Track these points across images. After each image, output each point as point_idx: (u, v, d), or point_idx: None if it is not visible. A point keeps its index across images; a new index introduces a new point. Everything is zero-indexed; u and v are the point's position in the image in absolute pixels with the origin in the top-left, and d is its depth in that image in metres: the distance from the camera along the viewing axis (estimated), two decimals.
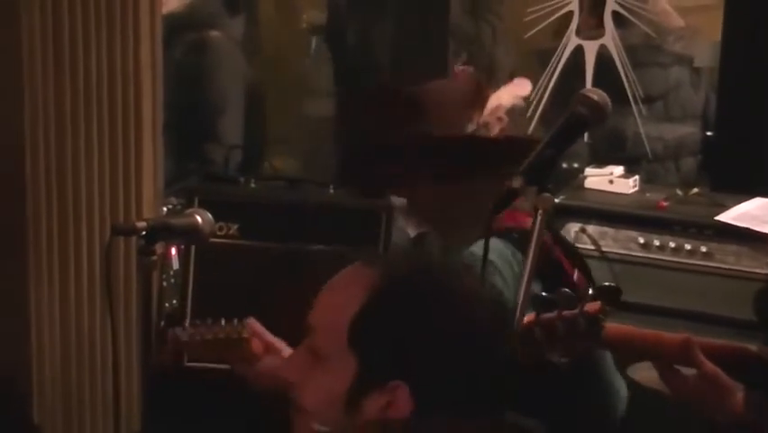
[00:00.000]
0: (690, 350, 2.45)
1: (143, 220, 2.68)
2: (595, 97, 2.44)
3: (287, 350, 2.84)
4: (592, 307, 2.35)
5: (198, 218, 2.74)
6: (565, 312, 2.34)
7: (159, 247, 2.77)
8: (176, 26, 4.79)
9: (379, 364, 2.01)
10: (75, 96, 3.29)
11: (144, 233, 2.61)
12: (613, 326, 2.49)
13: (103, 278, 3.11)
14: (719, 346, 2.55)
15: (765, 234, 3.81)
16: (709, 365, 2.44)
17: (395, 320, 2.01)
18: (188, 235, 2.78)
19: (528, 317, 2.38)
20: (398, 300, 2.02)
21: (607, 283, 2.40)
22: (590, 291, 2.38)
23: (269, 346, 2.88)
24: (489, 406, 2.03)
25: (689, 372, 2.43)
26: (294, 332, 3.77)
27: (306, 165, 5.44)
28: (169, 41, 4.72)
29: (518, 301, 2.38)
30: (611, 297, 2.38)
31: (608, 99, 2.46)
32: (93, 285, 3.36)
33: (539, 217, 2.35)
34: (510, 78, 5.01)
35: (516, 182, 2.36)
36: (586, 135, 4.60)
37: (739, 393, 2.41)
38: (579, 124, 2.45)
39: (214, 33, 4.84)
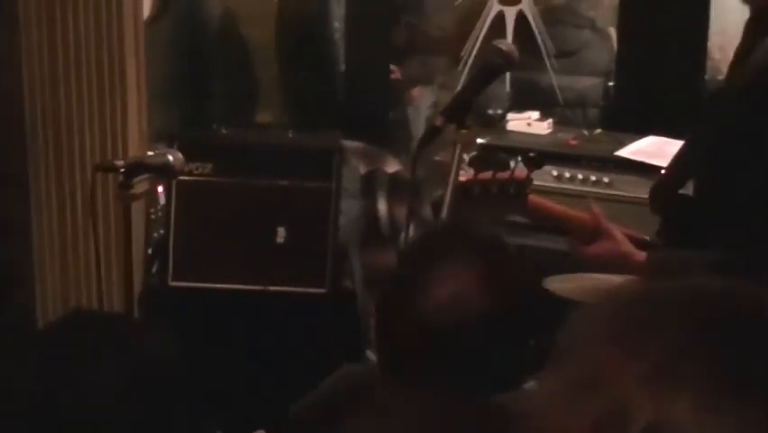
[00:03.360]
0: (598, 218, 2.45)
1: (122, 159, 2.61)
2: (504, 48, 2.39)
3: None
4: (520, 173, 2.32)
5: (170, 157, 2.68)
6: (498, 174, 2.32)
7: (140, 185, 2.70)
8: None
9: None
10: (66, 54, 3.20)
11: (123, 170, 2.56)
12: (534, 197, 2.47)
13: (87, 208, 3.03)
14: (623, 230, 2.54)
15: (656, 165, 3.79)
16: (617, 231, 2.44)
17: None
18: (162, 171, 2.71)
19: (467, 175, 2.33)
20: None
21: (531, 154, 2.37)
22: (519, 159, 2.36)
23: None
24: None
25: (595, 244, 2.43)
26: (260, 253, 3.71)
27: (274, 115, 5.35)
28: (168, 3, 4.58)
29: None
30: (535, 165, 2.36)
31: (514, 49, 2.39)
32: (86, 214, 3.29)
33: (458, 150, 2.30)
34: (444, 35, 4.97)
35: (439, 121, 2.32)
36: (508, 84, 4.54)
37: (638, 256, 2.40)
38: (491, 70, 2.40)
39: None
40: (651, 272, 2.37)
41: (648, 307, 0.73)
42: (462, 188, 2.30)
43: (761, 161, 2.20)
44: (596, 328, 0.72)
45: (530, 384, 1.79)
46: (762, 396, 0.65)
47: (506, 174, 2.32)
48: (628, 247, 2.41)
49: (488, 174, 2.30)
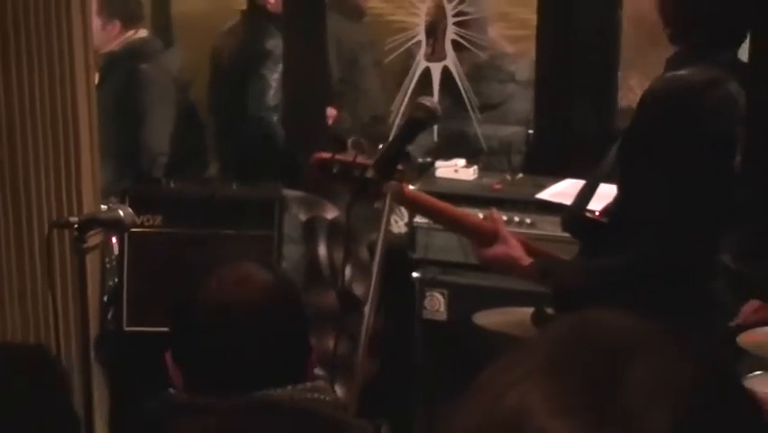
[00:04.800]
0: (496, 224, 2.52)
1: (76, 215, 2.63)
2: (427, 104, 2.44)
3: None
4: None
5: (120, 212, 2.72)
6: (359, 159, 2.36)
7: (94, 237, 2.72)
8: (115, 59, 4.72)
9: None
10: (22, 117, 3.21)
11: (76, 225, 2.58)
12: (415, 190, 2.52)
13: (43, 262, 3.04)
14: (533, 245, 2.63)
15: None
16: (512, 238, 2.52)
17: None
18: (113, 226, 2.75)
19: (325, 154, 2.39)
20: None
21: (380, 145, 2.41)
22: (380, 147, 2.42)
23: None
24: None
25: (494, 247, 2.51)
26: None
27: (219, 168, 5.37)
28: (109, 71, 4.66)
29: (375, 262, 2.36)
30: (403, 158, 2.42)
31: (437, 105, 2.46)
32: (44, 266, 3.29)
33: (388, 199, 2.35)
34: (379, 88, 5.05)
35: (370, 173, 2.36)
36: (435, 135, 4.61)
37: (525, 261, 2.48)
38: (416, 125, 2.45)
39: (144, 66, 4.76)
40: (535, 276, 2.48)
41: (550, 344, 0.77)
42: (321, 166, 2.36)
43: (636, 185, 2.30)
44: (516, 367, 0.76)
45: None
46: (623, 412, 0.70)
47: (349, 157, 2.38)
48: (518, 253, 2.51)
49: (347, 156, 2.36)
